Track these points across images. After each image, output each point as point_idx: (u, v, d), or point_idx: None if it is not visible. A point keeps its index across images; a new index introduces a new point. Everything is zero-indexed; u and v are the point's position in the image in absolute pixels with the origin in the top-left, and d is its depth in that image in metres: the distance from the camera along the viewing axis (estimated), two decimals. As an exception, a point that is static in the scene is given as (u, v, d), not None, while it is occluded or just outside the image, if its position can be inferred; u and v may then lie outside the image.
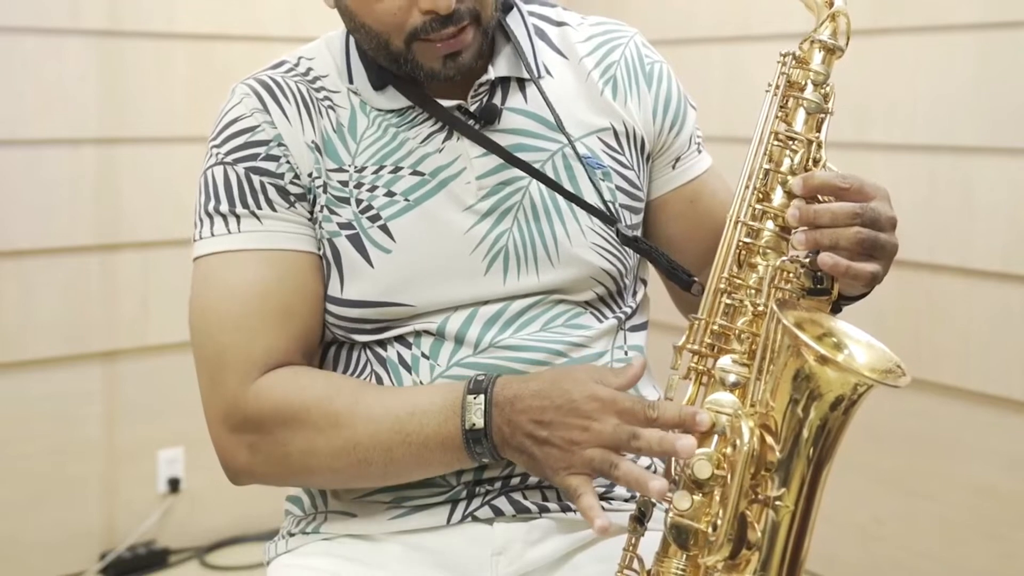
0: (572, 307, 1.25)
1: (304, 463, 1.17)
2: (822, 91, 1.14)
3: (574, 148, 1.24)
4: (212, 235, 1.20)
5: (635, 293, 1.32)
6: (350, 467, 1.16)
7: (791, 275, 1.09)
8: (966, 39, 2.43)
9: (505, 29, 1.26)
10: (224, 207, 1.20)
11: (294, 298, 1.20)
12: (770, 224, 1.10)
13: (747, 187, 1.11)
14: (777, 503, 1.00)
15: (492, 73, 1.24)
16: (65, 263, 2.72)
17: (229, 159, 1.21)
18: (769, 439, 1.00)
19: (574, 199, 1.22)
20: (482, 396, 1.11)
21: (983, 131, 2.41)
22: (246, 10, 2.90)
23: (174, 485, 2.90)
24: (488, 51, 1.25)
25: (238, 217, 1.20)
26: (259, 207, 1.20)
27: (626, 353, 1.28)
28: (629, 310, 1.29)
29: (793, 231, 1.10)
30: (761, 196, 1.11)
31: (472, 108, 1.23)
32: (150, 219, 2.82)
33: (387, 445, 1.14)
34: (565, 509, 1.22)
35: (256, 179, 1.20)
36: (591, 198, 1.24)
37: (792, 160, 1.11)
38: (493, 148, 1.21)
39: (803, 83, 1.14)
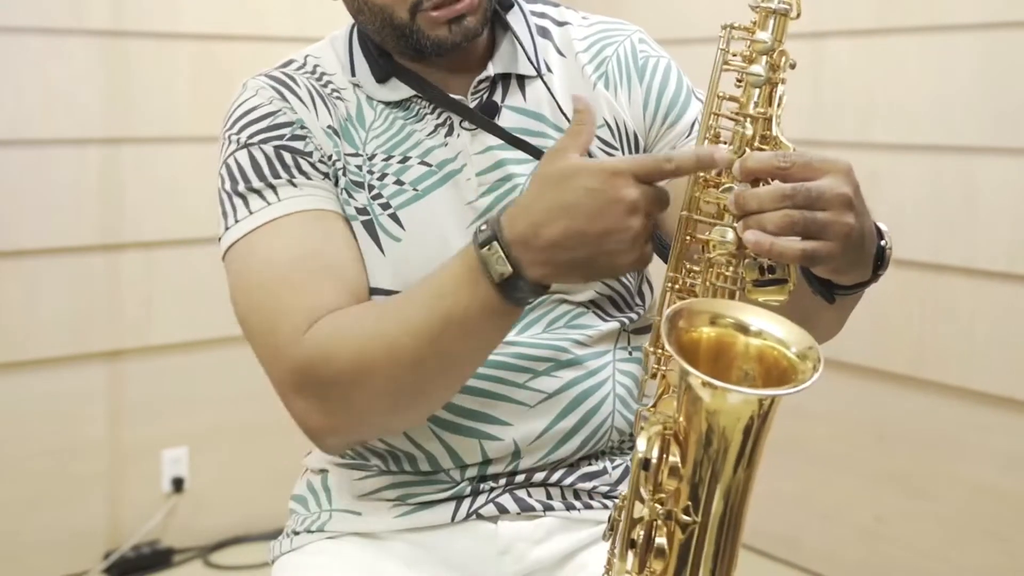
0: (574, 307, 1.24)
1: (365, 391, 1.10)
2: (769, 60, 1.03)
3: None
4: (250, 213, 1.17)
5: (641, 295, 1.32)
6: (407, 374, 1.09)
7: (727, 268, 1.00)
8: (969, 39, 2.43)
9: (506, 26, 1.27)
10: (256, 183, 1.18)
11: (345, 252, 1.17)
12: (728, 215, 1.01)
13: (695, 177, 1.03)
14: (683, 518, 0.94)
15: (492, 69, 1.24)
16: (69, 263, 2.73)
17: (254, 140, 1.20)
18: (676, 452, 0.94)
19: None
20: (495, 243, 1.01)
21: (987, 131, 2.41)
22: (249, 10, 2.91)
23: (178, 484, 2.90)
24: (489, 49, 1.26)
25: (274, 188, 1.17)
26: (294, 176, 1.18)
27: (630, 353, 1.28)
28: (636, 316, 1.29)
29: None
30: (709, 183, 1.03)
31: (472, 105, 1.24)
32: (154, 219, 2.82)
33: (433, 335, 1.06)
34: (569, 508, 1.23)
35: (287, 155, 1.19)
36: None
37: (739, 141, 1.01)
38: (502, 134, 1.21)
39: (750, 54, 1.03)
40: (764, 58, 1.02)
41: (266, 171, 1.18)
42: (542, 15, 1.32)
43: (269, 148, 1.19)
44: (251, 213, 1.17)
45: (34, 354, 2.70)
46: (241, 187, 1.18)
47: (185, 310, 2.88)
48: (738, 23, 1.05)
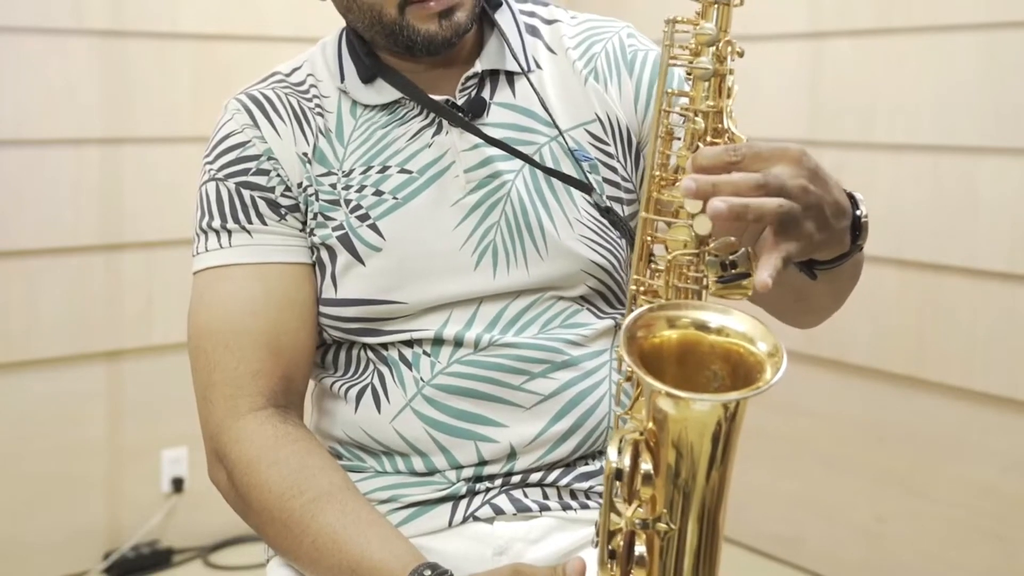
0: (569, 304, 1.25)
1: (254, 526, 1.21)
2: (716, 51, 1.00)
3: (564, 140, 1.24)
4: (206, 250, 1.23)
5: (631, 292, 1.32)
6: (287, 557, 1.20)
7: (689, 268, 0.98)
8: (971, 39, 2.43)
9: (494, 25, 1.27)
10: (217, 223, 1.23)
11: (284, 313, 1.22)
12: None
13: (651, 176, 1.03)
14: (661, 525, 0.93)
15: (479, 66, 1.25)
16: (69, 263, 2.73)
17: (221, 175, 1.24)
18: (647, 459, 0.92)
19: (554, 173, 1.22)
20: None
21: (988, 131, 2.41)
22: (249, 10, 2.91)
23: (178, 485, 2.90)
24: (477, 46, 1.26)
25: (230, 232, 1.22)
26: (250, 221, 1.22)
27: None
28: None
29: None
30: (666, 183, 1.02)
31: (460, 102, 1.24)
32: (154, 219, 2.83)
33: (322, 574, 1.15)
34: (566, 507, 1.23)
35: (247, 193, 1.22)
36: (578, 190, 1.24)
37: (691, 137, 1.00)
38: (478, 134, 1.21)
39: (696, 47, 1.01)
40: (710, 50, 1.00)
41: (227, 210, 1.22)
42: (531, 14, 1.32)
43: (232, 184, 1.23)
44: (208, 251, 1.23)
45: (34, 354, 2.70)
46: (205, 222, 1.23)
47: (185, 310, 2.85)
48: (681, 16, 1.03)
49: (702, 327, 0.95)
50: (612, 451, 0.93)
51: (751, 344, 0.93)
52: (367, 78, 1.25)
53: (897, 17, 2.55)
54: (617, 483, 0.93)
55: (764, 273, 0.91)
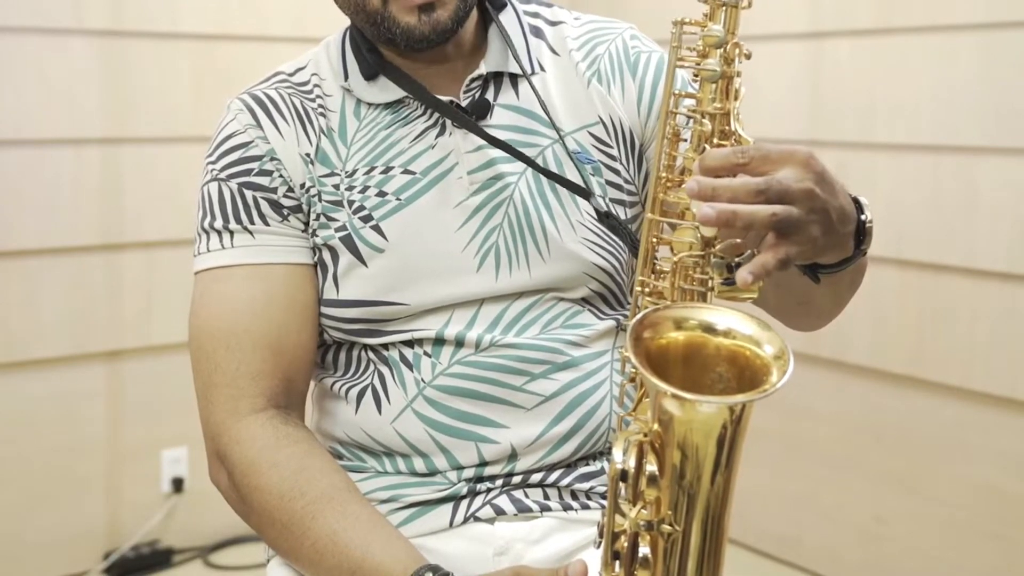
0: (571, 305, 1.25)
1: (255, 527, 1.21)
2: (723, 53, 1.00)
3: (563, 144, 1.24)
4: (208, 250, 1.23)
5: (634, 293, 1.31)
6: (287, 558, 1.20)
7: (695, 270, 0.98)
8: (970, 39, 2.43)
9: (499, 26, 1.27)
10: (219, 223, 1.22)
11: (286, 314, 1.22)
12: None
13: (657, 178, 1.03)
14: (665, 527, 0.93)
15: (484, 68, 1.25)
16: (69, 263, 2.73)
17: (223, 175, 1.23)
18: (652, 461, 0.92)
19: (553, 177, 1.22)
20: None
21: (988, 131, 2.41)
22: (249, 10, 2.91)
23: (178, 485, 2.90)
24: (477, 47, 1.27)
25: (232, 232, 1.22)
26: (252, 222, 1.22)
27: (629, 353, 1.27)
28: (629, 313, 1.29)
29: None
30: (672, 184, 1.02)
31: (464, 103, 1.24)
32: (154, 219, 2.83)
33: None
34: (567, 508, 1.23)
35: (249, 194, 1.22)
36: (577, 195, 1.23)
37: (698, 139, 1.00)
38: (484, 136, 1.21)
39: (704, 49, 1.01)
40: (718, 52, 1.00)
41: (229, 211, 1.22)
42: (535, 15, 1.32)
43: (235, 185, 1.23)
44: (209, 251, 1.23)
45: (34, 354, 2.70)
46: (207, 222, 1.23)
47: (185, 310, 2.84)
48: (689, 18, 1.03)
49: (708, 329, 0.95)
50: (617, 452, 0.92)
51: (757, 347, 0.93)
52: (369, 75, 1.24)
53: (897, 17, 2.55)
54: (622, 484, 0.93)
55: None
